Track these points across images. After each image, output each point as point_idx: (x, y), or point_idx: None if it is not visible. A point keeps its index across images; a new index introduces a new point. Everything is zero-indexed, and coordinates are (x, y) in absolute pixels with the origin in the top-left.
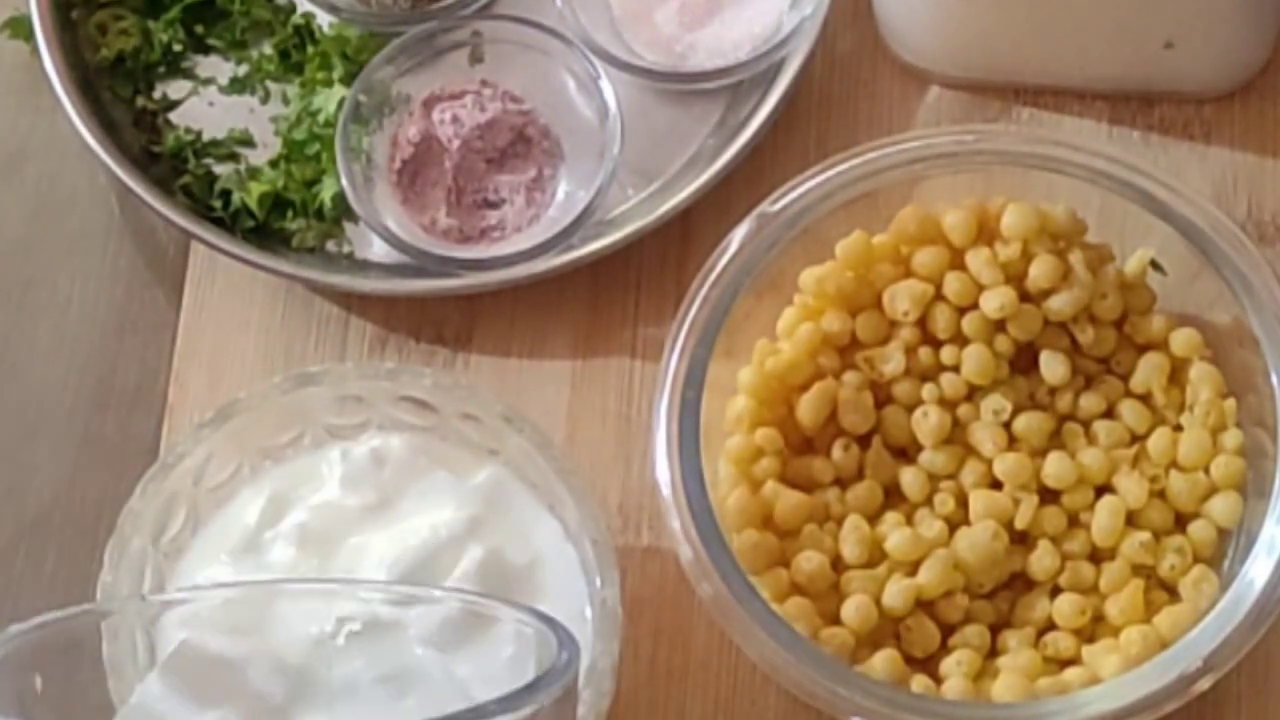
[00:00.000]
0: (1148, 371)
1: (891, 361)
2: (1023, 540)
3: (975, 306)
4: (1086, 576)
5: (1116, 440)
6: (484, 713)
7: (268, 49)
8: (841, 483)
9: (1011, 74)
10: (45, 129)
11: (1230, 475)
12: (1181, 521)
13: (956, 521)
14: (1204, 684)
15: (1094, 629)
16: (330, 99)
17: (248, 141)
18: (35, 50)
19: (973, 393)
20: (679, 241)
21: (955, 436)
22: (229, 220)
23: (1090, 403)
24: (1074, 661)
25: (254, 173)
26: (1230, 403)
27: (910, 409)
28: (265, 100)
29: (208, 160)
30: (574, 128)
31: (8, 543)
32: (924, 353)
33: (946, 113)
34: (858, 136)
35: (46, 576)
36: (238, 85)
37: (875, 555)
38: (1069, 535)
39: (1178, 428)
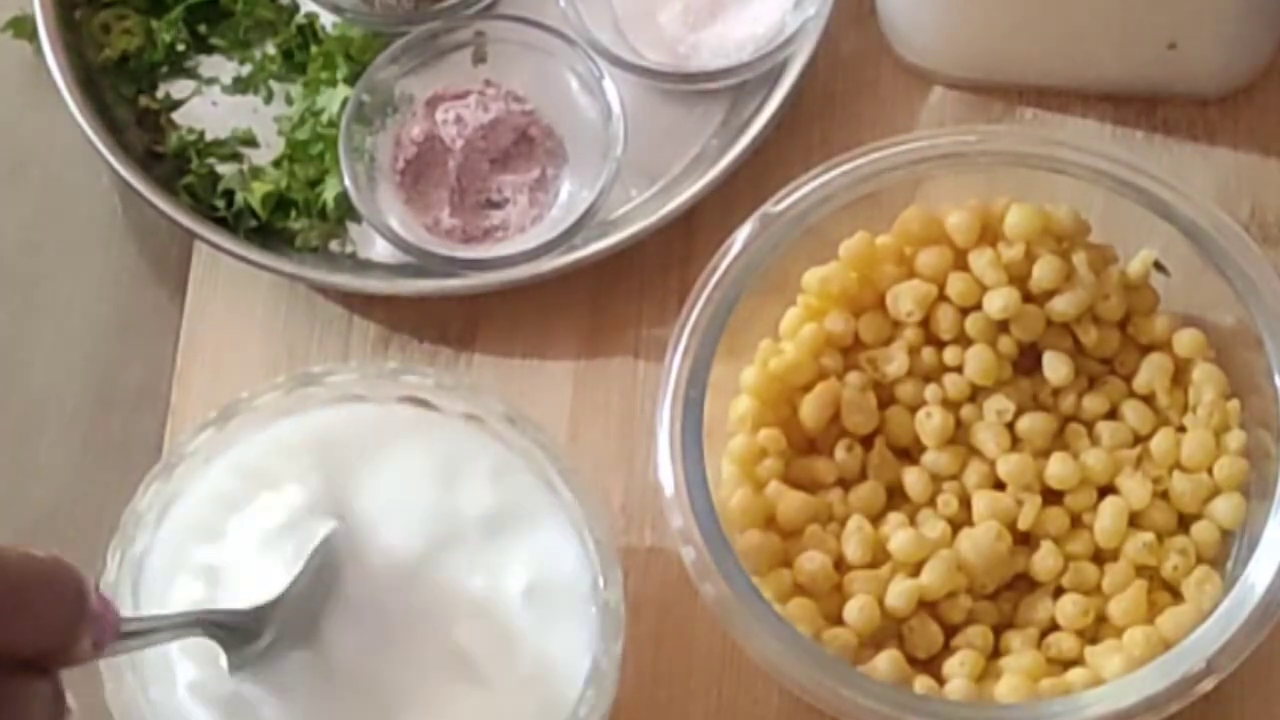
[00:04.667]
0: (1151, 372)
1: (894, 362)
2: (1026, 541)
3: (978, 307)
4: (1089, 577)
5: (1120, 441)
6: None
7: (271, 49)
8: (844, 483)
9: (1015, 74)
10: (48, 128)
11: (1233, 476)
12: (1184, 522)
13: (959, 522)
14: (1207, 685)
15: (1097, 630)
16: (333, 99)
17: (251, 141)
18: (39, 50)
19: (976, 393)
20: (682, 242)
21: (958, 437)
22: (232, 220)
23: (1093, 404)
24: (1077, 662)
25: (257, 172)
26: (1233, 404)
27: (913, 410)
28: (268, 100)
29: (211, 160)
30: (577, 128)
31: (11, 543)
32: (927, 353)
33: (950, 113)
34: (861, 137)
35: None
36: (241, 85)
37: (878, 556)
38: (1072, 536)
39: (1181, 429)
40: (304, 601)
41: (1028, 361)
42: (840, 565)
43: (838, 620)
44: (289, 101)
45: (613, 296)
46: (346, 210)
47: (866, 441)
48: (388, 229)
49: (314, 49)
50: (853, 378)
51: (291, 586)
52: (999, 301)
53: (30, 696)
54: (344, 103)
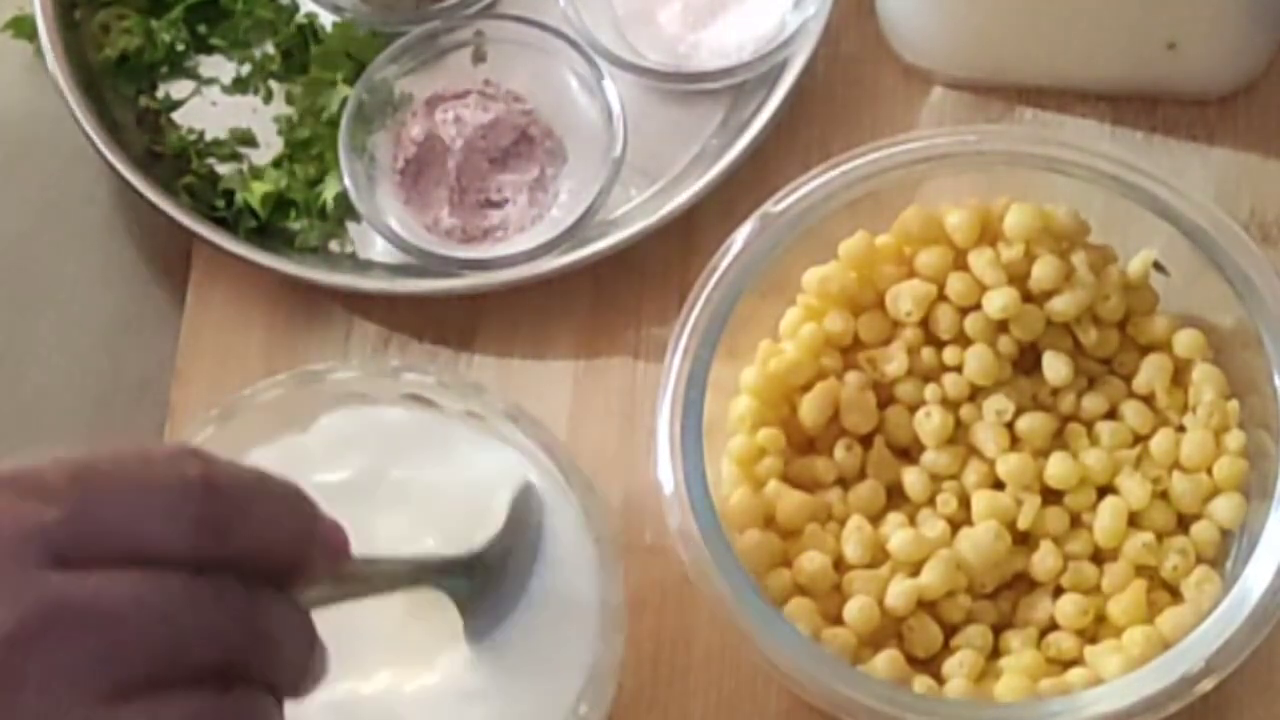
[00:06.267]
0: (1150, 372)
1: (894, 362)
2: (1025, 541)
3: (978, 307)
4: (1089, 577)
5: (1119, 441)
6: None
7: (270, 48)
8: (844, 483)
9: (1014, 74)
10: (48, 128)
11: (1233, 476)
12: (1184, 522)
13: (959, 522)
14: (1206, 685)
15: (1096, 629)
16: (333, 98)
17: (250, 141)
18: (39, 49)
19: (975, 393)
20: (682, 242)
21: (958, 437)
22: (232, 220)
23: (1093, 403)
24: (1076, 662)
25: (257, 172)
26: (1233, 404)
27: (913, 409)
28: (268, 100)
29: (210, 160)
30: (577, 127)
31: None
32: (927, 353)
33: (949, 113)
34: (861, 137)
35: None
36: (241, 85)
37: (877, 555)
38: (1071, 536)
39: (1180, 429)
40: (511, 555)
41: (1027, 361)
42: (839, 565)
43: (837, 620)
44: (289, 101)
45: (612, 296)
46: (346, 210)
47: (866, 441)
48: (387, 229)
49: (314, 48)
50: (852, 377)
51: (498, 536)
52: (999, 301)
53: (277, 614)
54: (344, 102)
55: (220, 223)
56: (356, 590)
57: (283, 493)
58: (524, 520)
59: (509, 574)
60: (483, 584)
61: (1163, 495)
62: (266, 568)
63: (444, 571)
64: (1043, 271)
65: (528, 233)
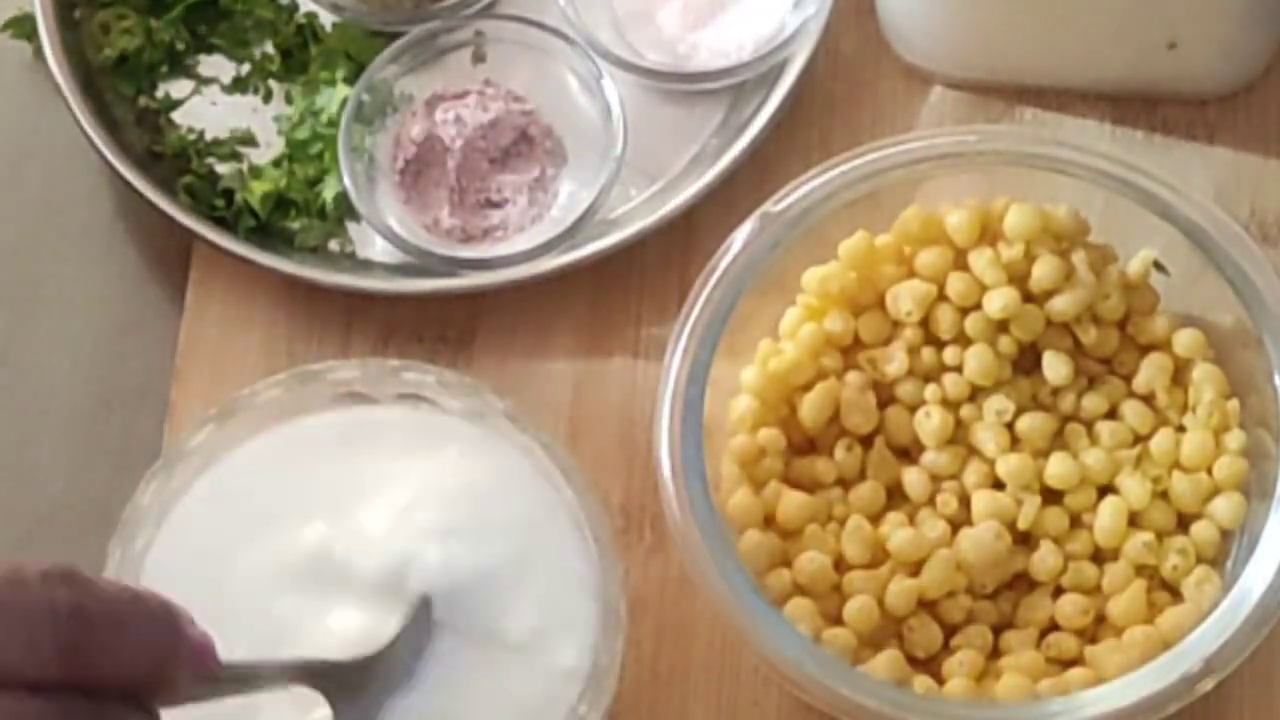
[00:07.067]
0: (1150, 372)
1: (894, 362)
2: (1025, 541)
3: (978, 307)
4: (1089, 577)
5: (1119, 441)
6: None
7: (270, 48)
8: (844, 483)
9: (1014, 74)
10: (48, 128)
11: (1233, 476)
12: (1184, 522)
13: (959, 522)
14: (1206, 685)
15: (1096, 629)
16: (333, 98)
17: (250, 141)
18: (38, 49)
19: (975, 393)
20: (682, 241)
21: (958, 437)
22: (231, 220)
23: (1093, 403)
24: (1076, 662)
25: (256, 172)
26: (1233, 404)
27: (913, 409)
28: (268, 99)
29: (210, 160)
30: (577, 127)
31: (12, 541)
32: (927, 353)
33: (949, 113)
34: (860, 137)
35: None
36: (240, 84)
37: (878, 555)
38: (1071, 536)
39: (1180, 428)
40: (403, 652)
41: (1027, 361)
42: (840, 565)
43: (837, 620)
44: (288, 101)
45: (612, 296)
46: (346, 210)
47: (866, 441)
48: (387, 229)
49: (314, 48)
50: (852, 377)
51: (395, 640)
52: (999, 301)
53: None
54: (344, 102)
55: (220, 223)
56: (223, 693)
57: (152, 612)
58: (411, 637)
59: (375, 688)
60: (355, 691)
61: (1163, 495)
62: (128, 680)
63: (313, 675)
64: (1043, 271)
65: (528, 233)
